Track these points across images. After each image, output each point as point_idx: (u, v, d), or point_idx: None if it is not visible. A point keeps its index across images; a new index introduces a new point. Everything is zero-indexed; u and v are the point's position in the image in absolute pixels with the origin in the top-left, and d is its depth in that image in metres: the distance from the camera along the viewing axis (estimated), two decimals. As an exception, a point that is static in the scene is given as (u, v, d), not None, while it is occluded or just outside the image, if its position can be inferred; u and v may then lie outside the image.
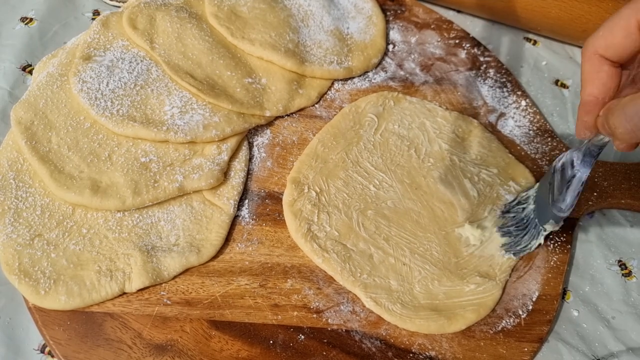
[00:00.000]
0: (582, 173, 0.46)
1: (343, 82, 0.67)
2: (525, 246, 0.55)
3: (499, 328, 0.53)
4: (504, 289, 0.54)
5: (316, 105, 0.65)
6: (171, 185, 0.54)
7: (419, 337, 0.52)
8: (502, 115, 0.66)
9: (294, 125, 0.63)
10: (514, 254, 0.55)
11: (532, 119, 0.66)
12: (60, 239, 0.51)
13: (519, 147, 0.64)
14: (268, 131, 0.62)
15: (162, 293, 0.51)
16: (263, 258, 0.54)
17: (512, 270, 0.56)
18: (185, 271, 0.53)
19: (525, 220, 0.54)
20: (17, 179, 0.54)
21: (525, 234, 0.54)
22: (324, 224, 0.55)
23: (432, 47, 0.71)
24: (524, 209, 0.55)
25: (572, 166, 0.46)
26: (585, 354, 0.54)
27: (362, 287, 0.52)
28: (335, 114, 0.63)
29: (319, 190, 0.57)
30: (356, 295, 0.53)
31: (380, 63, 0.69)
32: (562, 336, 0.55)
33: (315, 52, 0.66)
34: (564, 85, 0.73)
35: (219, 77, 0.61)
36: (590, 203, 0.60)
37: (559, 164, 0.49)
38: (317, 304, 0.52)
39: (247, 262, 0.54)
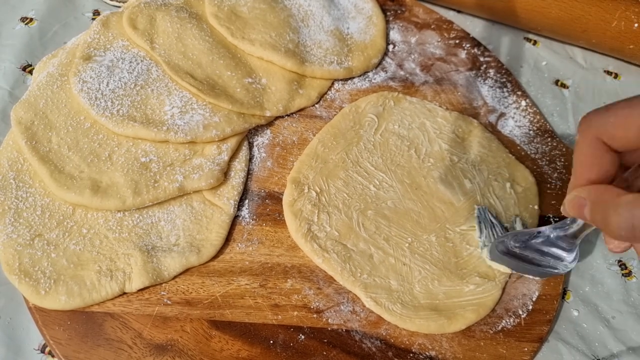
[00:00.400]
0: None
1: (343, 82, 0.67)
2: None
3: (499, 328, 0.53)
4: (503, 289, 0.54)
5: (316, 106, 0.65)
6: (171, 185, 0.54)
7: (419, 337, 0.52)
8: (502, 115, 0.67)
9: (294, 125, 0.63)
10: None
11: (532, 119, 0.66)
12: (61, 239, 0.51)
13: (519, 147, 0.64)
14: (268, 131, 0.62)
15: (162, 293, 0.51)
16: (263, 258, 0.54)
17: (512, 270, 0.56)
18: (186, 271, 0.53)
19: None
20: (18, 179, 0.54)
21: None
22: (324, 224, 0.55)
23: (432, 47, 0.71)
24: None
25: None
26: (585, 353, 0.54)
27: (362, 287, 0.52)
28: (335, 114, 0.63)
29: (319, 191, 0.57)
30: (356, 295, 0.53)
31: (380, 63, 0.69)
32: (562, 336, 0.55)
33: (316, 52, 0.66)
34: (564, 85, 0.73)
35: (219, 77, 0.61)
36: (590, 203, 0.60)
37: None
38: (317, 304, 0.52)
39: (247, 262, 0.54)
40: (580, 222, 0.43)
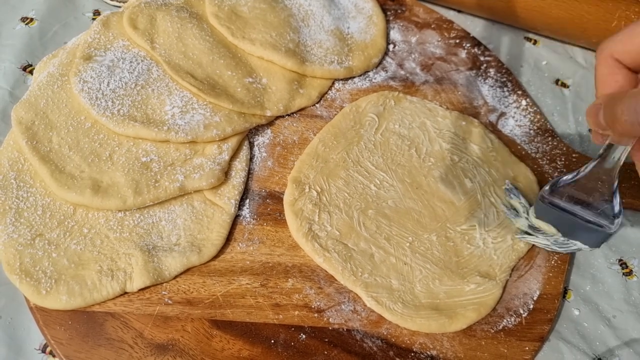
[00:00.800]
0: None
1: (343, 82, 0.67)
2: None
3: (500, 327, 0.53)
4: (504, 288, 0.54)
5: (317, 105, 0.65)
6: (172, 184, 0.54)
7: (420, 337, 0.52)
8: (502, 114, 0.67)
9: (294, 124, 0.63)
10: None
11: (532, 118, 0.66)
12: (62, 238, 0.51)
13: (519, 147, 0.64)
14: (269, 131, 0.62)
15: (163, 293, 0.51)
16: (264, 257, 0.54)
17: (513, 269, 0.56)
18: (187, 271, 0.53)
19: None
20: (18, 178, 0.54)
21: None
22: (325, 224, 0.55)
23: (432, 46, 0.71)
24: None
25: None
26: (586, 352, 0.54)
27: (363, 287, 0.52)
28: (335, 114, 0.63)
29: (319, 190, 0.57)
30: (357, 295, 0.53)
31: (380, 63, 0.69)
32: (563, 335, 0.55)
33: (316, 51, 0.66)
34: (564, 85, 0.73)
35: (219, 77, 0.61)
36: (590, 202, 0.60)
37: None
38: (318, 303, 0.52)
39: (248, 262, 0.54)
40: (604, 145, 0.42)
